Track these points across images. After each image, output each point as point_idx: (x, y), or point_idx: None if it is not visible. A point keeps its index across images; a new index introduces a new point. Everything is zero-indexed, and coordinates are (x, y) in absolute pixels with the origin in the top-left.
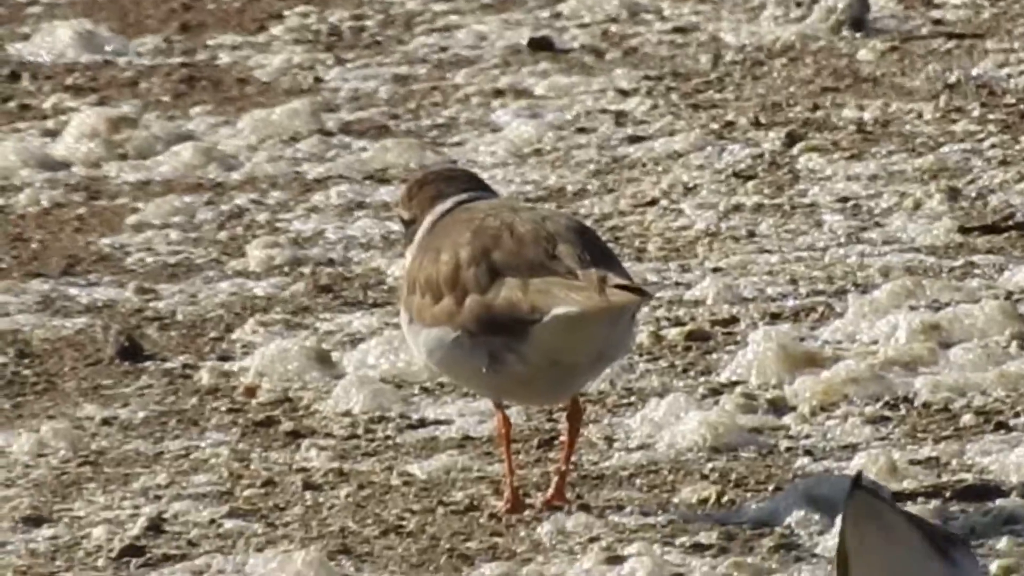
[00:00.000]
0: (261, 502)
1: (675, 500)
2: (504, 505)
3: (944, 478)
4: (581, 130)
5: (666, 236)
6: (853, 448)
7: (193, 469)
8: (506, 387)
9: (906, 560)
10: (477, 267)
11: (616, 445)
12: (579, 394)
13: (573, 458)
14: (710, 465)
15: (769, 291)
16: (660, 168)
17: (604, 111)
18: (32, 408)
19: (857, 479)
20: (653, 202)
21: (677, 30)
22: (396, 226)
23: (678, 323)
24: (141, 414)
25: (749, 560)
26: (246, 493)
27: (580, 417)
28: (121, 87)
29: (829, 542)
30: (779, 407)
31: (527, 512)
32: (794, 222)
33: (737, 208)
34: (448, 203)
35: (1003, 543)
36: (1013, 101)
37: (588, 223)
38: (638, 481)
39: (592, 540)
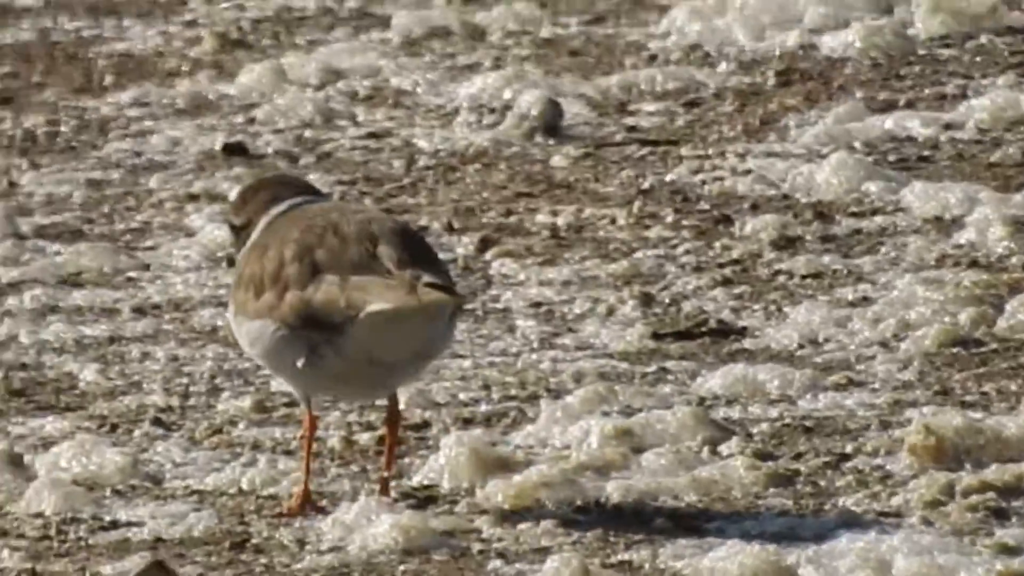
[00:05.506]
0: None
1: None
2: (295, 500)
3: None
4: None
5: None
6: (546, 551)
7: None
8: (324, 382)
9: None
10: (299, 263)
11: (308, 547)
12: (397, 397)
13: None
14: (402, 567)
15: (462, 396)
16: None
17: None
18: None
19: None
20: None
21: (371, 135)
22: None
23: (370, 427)
24: None
25: None
26: None
27: (398, 420)
28: None
29: None
30: (471, 511)
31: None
32: (487, 327)
33: None
34: (283, 206)
35: None
36: (707, 207)
37: None
38: None
39: None
